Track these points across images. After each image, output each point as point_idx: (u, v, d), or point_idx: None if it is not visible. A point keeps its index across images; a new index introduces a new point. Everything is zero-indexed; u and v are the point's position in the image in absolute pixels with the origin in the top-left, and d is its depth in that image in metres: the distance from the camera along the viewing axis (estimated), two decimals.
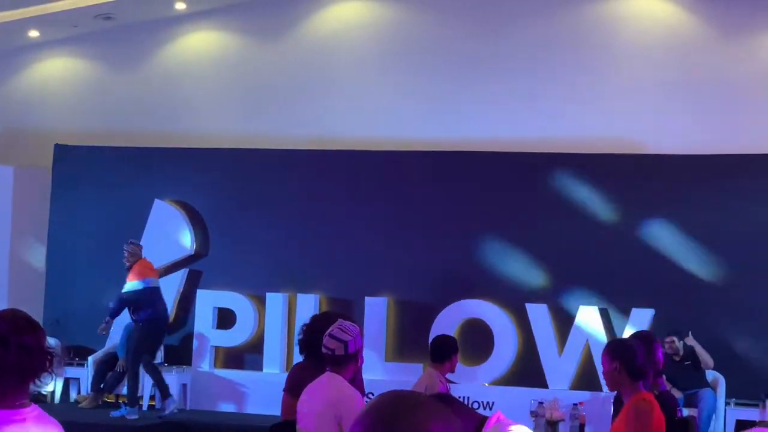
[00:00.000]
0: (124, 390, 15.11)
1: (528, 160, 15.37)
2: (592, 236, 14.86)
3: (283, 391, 7.68)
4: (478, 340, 14.59)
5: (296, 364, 7.98)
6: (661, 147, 15.16)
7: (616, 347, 6.86)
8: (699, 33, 15.78)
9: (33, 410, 3.50)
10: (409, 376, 12.76)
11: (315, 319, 7.91)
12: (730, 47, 15.59)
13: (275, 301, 15.52)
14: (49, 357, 3.56)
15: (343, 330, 6.57)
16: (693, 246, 14.51)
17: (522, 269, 15.04)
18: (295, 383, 7.40)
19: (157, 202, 16.21)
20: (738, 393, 13.54)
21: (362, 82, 16.70)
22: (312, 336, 7.46)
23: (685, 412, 11.95)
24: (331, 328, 6.59)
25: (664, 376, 11.08)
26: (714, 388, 13.70)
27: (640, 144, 15.41)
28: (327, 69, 16.85)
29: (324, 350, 6.55)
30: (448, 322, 14.68)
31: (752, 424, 7.85)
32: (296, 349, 8.68)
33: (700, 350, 13.56)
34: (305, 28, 17.13)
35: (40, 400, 14.31)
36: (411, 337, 15.04)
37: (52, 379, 12.31)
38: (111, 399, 15.08)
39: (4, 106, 17.87)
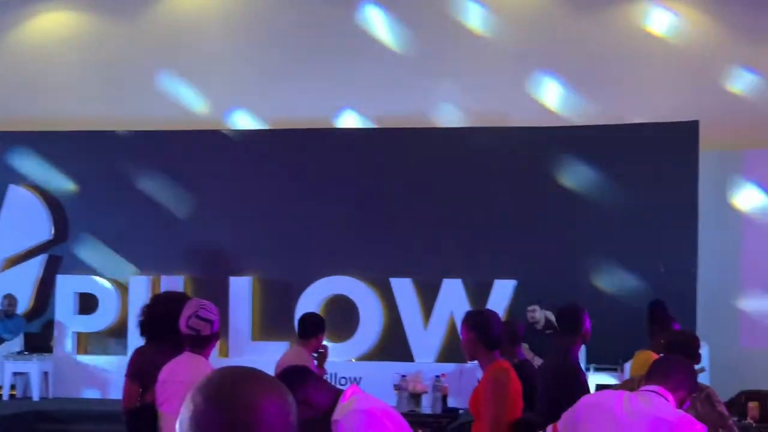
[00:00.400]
0: None
1: (391, 137, 15.60)
2: (448, 209, 15.12)
3: (126, 377, 7.44)
4: (343, 317, 14.66)
5: (137, 348, 7.80)
6: (515, 119, 15.52)
7: (472, 318, 6.99)
8: (556, 6, 16.17)
9: None
10: (275, 354, 12.79)
11: (158, 300, 7.79)
12: (585, 20, 16.00)
13: (139, 284, 15.39)
14: None
15: (208, 310, 6.58)
16: (550, 217, 14.89)
17: (385, 243, 15.24)
18: (138, 368, 7.32)
19: (11, 188, 15.94)
20: (597, 359, 13.87)
21: (214, 61, 16.68)
22: (156, 317, 7.35)
23: None
24: (196, 309, 6.58)
25: (524, 345, 11.42)
26: None
27: (503, 117, 15.72)
28: (181, 48, 16.79)
29: (188, 331, 6.50)
30: (313, 299, 14.75)
31: (609, 387, 8.17)
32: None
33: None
34: (160, 6, 17.06)
35: None
36: (276, 316, 15.12)
37: None
38: None
39: None
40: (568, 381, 7.40)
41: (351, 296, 15.07)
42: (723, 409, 6.95)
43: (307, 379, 4.54)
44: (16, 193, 15.99)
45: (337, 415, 4.42)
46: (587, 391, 7.60)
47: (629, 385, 5.98)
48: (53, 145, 16.11)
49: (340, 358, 14.14)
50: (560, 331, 8.04)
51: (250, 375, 2.11)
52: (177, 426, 2.05)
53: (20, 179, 16.04)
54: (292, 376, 4.61)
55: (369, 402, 4.44)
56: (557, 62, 15.89)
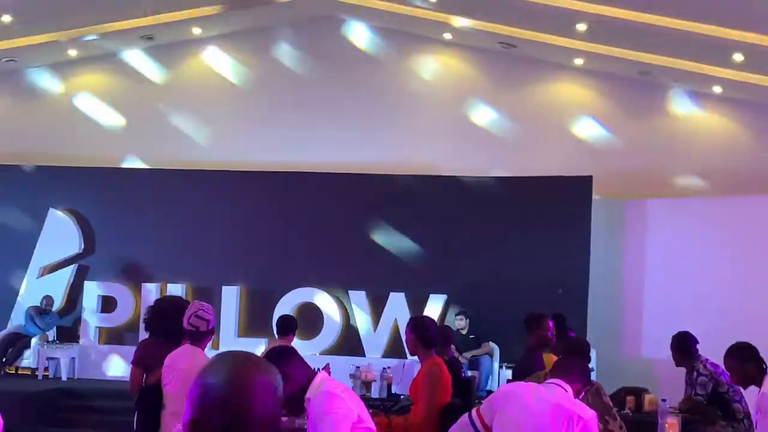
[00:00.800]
0: (25, 362, 14.84)
1: (353, 180, 15.55)
2: (395, 239, 15.16)
3: (132, 364, 7.32)
4: (310, 319, 14.65)
5: (141, 341, 7.71)
6: (452, 170, 15.57)
7: (413, 323, 6.97)
8: (480, 85, 16.31)
9: None
10: (256, 348, 12.78)
11: (159, 302, 7.70)
12: (501, 95, 16.16)
13: (150, 289, 15.29)
14: None
15: (205, 311, 6.53)
16: (475, 249, 14.92)
17: (345, 263, 15.23)
18: (142, 357, 7.23)
19: (51, 211, 15.84)
20: (508, 358, 13.85)
21: (217, 116, 16.70)
22: (159, 316, 7.26)
23: (469, 373, 12.27)
24: (196, 309, 6.51)
25: (453, 346, 11.36)
26: (491, 355, 14.08)
27: (437, 167, 15.78)
28: (203, 101, 16.82)
29: (189, 327, 6.43)
30: (287, 305, 14.73)
31: (522, 380, 8.15)
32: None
33: (482, 351, 13.97)
34: (176, 72, 17.06)
35: None
36: (258, 317, 15.06)
37: None
38: (12, 370, 14.71)
39: None
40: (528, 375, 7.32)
41: (317, 303, 15.06)
42: (608, 400, 6.97)
43: (291, 357, 4.51)
44: (54, 214, 15.86)
45: (309, 393, 4.38)
46: None
47: (537, 379, 5.95)
48: (85, 178, 16.02)
49: (308, 352, 14.02)
50: (527, 334, 7.95)
51: (246, 357, 2.12)
52: (188, 399, 2.03)
53: (58, 204, 15.88)
54: (279, 353, 4.58)
55: (334, 385, 4.41)
56: (482, 126, 16.00)
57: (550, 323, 7.98)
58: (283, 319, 10.04)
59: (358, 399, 4.51)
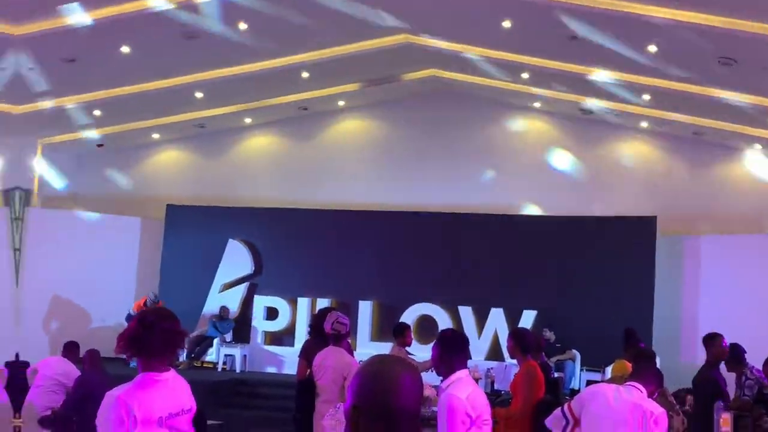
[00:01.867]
0: (208, 357, 15.13)
1: (449, 219, 15.49)
2: (499, 266, 14.98)
3: (299, 357, 7.54)
4: (427, 328, 14.54)
5: (307, 340, 7.88)
6: (543, 210, 15.36)
7: (514, 333, 6.88)
8: (559, 141, 16.07)
9: (171, 373, 3.35)
10: (385, 350, 12.72)
11: (319, 312, 7.85)
12: (584, 151, 15.87)
13: (303, 303, 15.50)
14: (181, 337, 3.35)
15: (344, 318, 6.62)
16: (562, 276, 14.66)
17: (455, 284, 15.11)
18: (306, 351, 7.36)
19: (230, 241, 16.18)
20: (588, 363, 13.58)
21: (356, 168, 16.86)
22: (317, 322, 7.37)
23: (556, 375, 12.00)
24: (336, 317, 6.57)
25: (543, 353, 11.08)
26: (573, 360, 13.76)
27: (517, 208, 15.65)
28: (337, 160, 17.00)
29: (332, 331, 6.51)
30: (409, 317, 14.66)
31: (596, 382, 7.90)
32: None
33: (566, 356, 13.68)
34: (324, 135, 17.31)
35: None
36: (387, 326, 14.99)
37: (183, 353, 11.79)
38: (198, 364, 15.03)
39: (139, 180, 17.88)
40: (708, 385, 7.09)
41: (433, 316, 14.96)
42: (672, 399, 6.73)
43: (463, 346, 4.47)
44: (233, 244, 16.21)
45: (444, 384, 4.29)
46: (722, 392, 7.22)
47: (615, 382, 5.77)
48: (256, 216, 16.34)
49: (426, 355, 13.89)
50: (705, 351, 7.53)
51: (394, 360, 2.14)
52: (348, 389, 2.05)
53: (235, 235, 16.24)
54: (458, 337, 4.58)
55: (462, 390, 4.22)
56: (571, 177, 15.76)
57: (724, 341, 7.49)
58: (396, 325, 9.87)
59: (483, 396, 4.37)
